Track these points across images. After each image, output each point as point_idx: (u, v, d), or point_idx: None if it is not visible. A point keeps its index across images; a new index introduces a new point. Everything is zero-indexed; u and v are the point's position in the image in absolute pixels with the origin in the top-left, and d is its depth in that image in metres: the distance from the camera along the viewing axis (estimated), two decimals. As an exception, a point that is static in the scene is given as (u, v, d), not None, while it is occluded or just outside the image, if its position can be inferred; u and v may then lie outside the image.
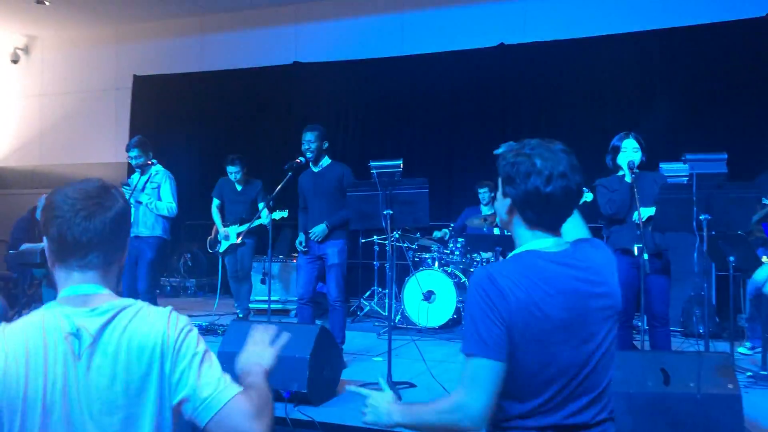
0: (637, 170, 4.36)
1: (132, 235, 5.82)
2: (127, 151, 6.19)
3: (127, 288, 5.88)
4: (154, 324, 1.49)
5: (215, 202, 7.22)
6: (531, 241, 1.77)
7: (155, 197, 6.05)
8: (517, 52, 8.47)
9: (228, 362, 4.35)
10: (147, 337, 1.47)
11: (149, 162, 6.14)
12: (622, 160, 4.46)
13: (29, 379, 1.41)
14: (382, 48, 9.22)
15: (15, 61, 11.44)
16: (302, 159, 5.47)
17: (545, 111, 8.40)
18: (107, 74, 11.05)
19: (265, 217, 6.40)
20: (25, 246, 7.10)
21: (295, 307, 7.61)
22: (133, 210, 5.91)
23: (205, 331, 6.62)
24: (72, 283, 1.51)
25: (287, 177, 5.48)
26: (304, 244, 5.48)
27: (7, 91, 11.70)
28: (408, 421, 1.77)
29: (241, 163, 7.03)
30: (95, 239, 1.48)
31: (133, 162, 6.16)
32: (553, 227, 1.78)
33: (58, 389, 1.42)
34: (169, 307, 1.55)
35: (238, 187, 7.11)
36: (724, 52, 7.57)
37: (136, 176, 6.26)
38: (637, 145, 4.47)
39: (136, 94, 10.67)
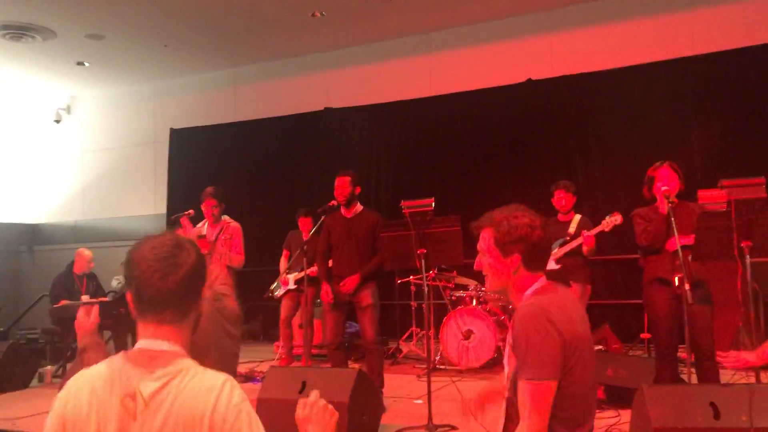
0: (674, 200, 4.28)
1: None
2: (204, 200, 6.11)
3: None
4: (205, 395, 1.51)
5: (285, 253, 7.58)
6: (534, 282, 2.16)
7: (228, 249, 6.05)
8: (545, 87, 8.49)
9: (267, 409, 4.34)
10: (196, 409, 1.49)
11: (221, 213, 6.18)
12: (658, 189, 4.39)
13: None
14: (411, 89, 9.33)
15: (58, 121, 11.87)
16: (337, 203, 5.50)
17: (578, 144, 8.34)
18: (145, 129, 11.38)
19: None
20: (69, 303, 7.25)
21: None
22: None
23: (244, 378, 6.62)
24: (147, 336, 1.59)
25: (320, 221, 5.54)
26: (330, 296, 5.36)
27: (51, 149, 12.13)
28: None
29: (314, 216, 7.25)
30: (169, 298, 1.57)
31: (210, 212, 6.10)
32: (545, 265, 2.18)
33: None
34: (224, 377, 1.56)
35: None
36: (756, 76, 7.48)
37: (208, 227, 6.21)
38: (673, 174, 4.40)
39: (173, 147, 10.94)
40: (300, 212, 7.52)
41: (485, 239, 2.21)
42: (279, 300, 7.51)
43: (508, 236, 2.12)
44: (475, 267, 2.29)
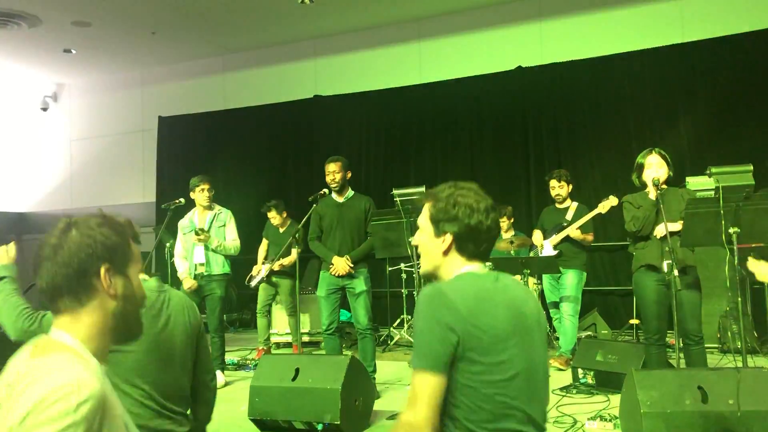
0: (663, 186, 4.33)
1: (206, 273, 5.96)
2: (196, 186, 6.05)
3: None
4: (18, 402, 1.27)
5: (263, 242, 7.52)
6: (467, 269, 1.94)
7: (222, 237, 6.05)
8: (535, 74, 8.50)
9: (260, 395, 4.35)
10: (11, 412, 1.27)
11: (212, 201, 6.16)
12: (647, 176, 4.43)
13: None
14: (401, 77, 9.32)
15: (45, 109, 11.76)
16: (327, 191, 5.51)
17: (567, 131, 8.39)
18: (133, 117, 11.31)
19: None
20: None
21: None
22: (192, 247, 5.99)
23: (237, 366, 6.64)
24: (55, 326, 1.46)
25: (312, 208, 5.54)
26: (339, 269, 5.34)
27: (38, 137, 12.03)
28: None
29: (277, 208, 7.29)
30: (50, 288, 1.43)
31: (206, 195, 6.05)
32: (486, 256, 1.96)
33: None
34: (57, 385, 1.26)
35: (281, 230, 7.33)
36: (745, 63, 7.53)
37: (200, 215, 6.15)
38: (661, 161, 4.43)
39: (162, 135, 10.88)
40: (265, 207, 7.38)
41: (423, 213, 2.01)
42: (256, 289, 7.38)
43: (444, 213, 1.93)
44: (413, 242, 2.17)
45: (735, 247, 3.88)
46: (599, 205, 5.97)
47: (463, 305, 1.78)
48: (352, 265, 5.31)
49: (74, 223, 1.46)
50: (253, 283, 7.35)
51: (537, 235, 6.41)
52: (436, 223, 1.94)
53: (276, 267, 7.00)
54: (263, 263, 7.35)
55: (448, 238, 1.92)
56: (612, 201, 5.89)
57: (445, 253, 1.94)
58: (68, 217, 1.49)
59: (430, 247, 1.97)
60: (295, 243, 5.75)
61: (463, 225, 1.90)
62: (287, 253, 6.90)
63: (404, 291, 7.71)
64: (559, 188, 6.28)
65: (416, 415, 1.74)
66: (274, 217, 7.33)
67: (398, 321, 7.94)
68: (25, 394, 1.27)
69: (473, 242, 1.92)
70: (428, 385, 1.75)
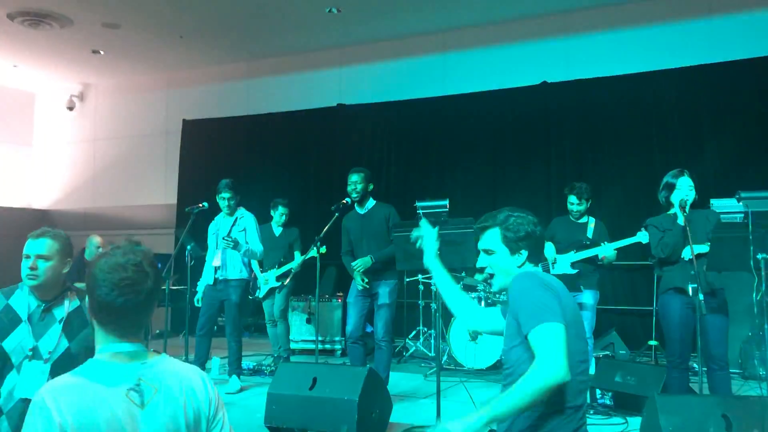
0: (689, 209, 4.27)
1: (221, 278, 6.01)
2: (220, 192, 6.17)
3: (206, 333, 6.00)
4: (190, 371, 1.78)
5: None
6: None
7: (243, 240, 6.08)
8: (560, 90, 8.46)
9: (277, 403, 4.34)
10: (193, 380, 1.75)
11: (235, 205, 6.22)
12: (676, 198, 4.36)
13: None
14: (425, 88, 9.32)
15: (71, 108, 11.89)
16: (348, 200, 5.55)
17: (590, 148, 8.33)
18: (157, 119, 11.40)
19: (297, 264, 6.45)
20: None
21: (341, 347, 7.69)
22: (214, 250, 6.10)
23: (252, 371, 6.64)
24: (112, 341, 1.70)
25: (334, 217, 5.56)
26: (366, 281, 5.45)
27: (63, 136, 12.17)
28: (490, 415, 1.98)
29: (289, 207, 7.22)
30: (129, 318, 1.70)
31: (225, 203, 6.15)
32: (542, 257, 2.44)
33: None
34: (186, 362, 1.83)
35: (276, 233, 7.16)
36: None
37: (222, 219, 6.25)
38: (691, 183, 4.39)
39: (185, 138, 10.96)
40: (278, 203, 7.26)
41: (491, 238, 2.35)
42: (263, 300, 7.15)
43: (516, 234, 2.31)
44: (477, 265, 2.41)
45: (763, 273, 3.83)
46: (639, 233, 5.40)
47: (553, 285, 2.20)
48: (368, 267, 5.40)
49: (146, 265, 1.71)
50: (260, 294, 7.13)
51: (549, 248, 6.01)
52: (509, 243, 2.32)
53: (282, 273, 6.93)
54: (263, 271, 7.10)
55: (524, 252, 2.32)
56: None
57: (521, 266, 2.32)
58: (132, 250, 1.73)
59: (508, 265, 2.32)
60: (315, 248, 5.75)
61: (533, 239, 2.33)
62: (290, 258, 6.95)
63: (421, 302, 7.67)
64: (578, 205, 5.98)
65: (557, 360, 1.98)
66: (282, 215, 7.16)
67: (414, 333, 7.91)
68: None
69: (539, 248, 2.40)
70: (560, 334, 2.05)
